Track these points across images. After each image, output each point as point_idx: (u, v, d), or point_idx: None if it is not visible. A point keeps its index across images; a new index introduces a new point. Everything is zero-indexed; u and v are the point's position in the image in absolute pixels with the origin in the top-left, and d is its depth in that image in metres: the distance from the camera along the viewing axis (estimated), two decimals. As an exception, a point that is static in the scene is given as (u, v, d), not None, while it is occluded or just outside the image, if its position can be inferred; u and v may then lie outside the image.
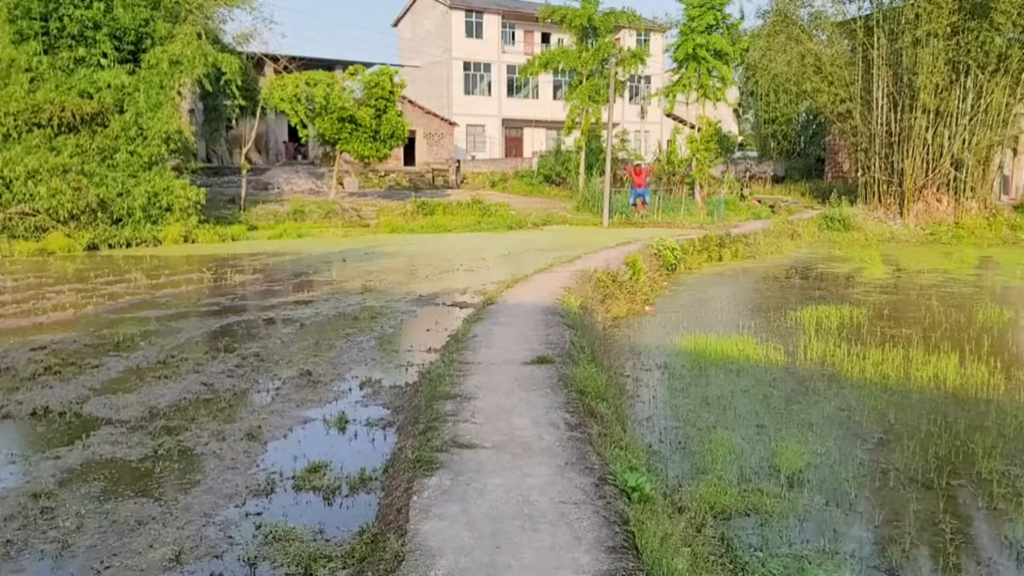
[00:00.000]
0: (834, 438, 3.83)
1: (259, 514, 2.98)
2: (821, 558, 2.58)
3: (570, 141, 26.75)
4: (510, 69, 34.09)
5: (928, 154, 18.19)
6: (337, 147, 20.97)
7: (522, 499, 2.65)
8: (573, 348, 5.01)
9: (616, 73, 21.04)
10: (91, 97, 15.13)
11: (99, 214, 14.38)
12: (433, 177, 28.05)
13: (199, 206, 15.85)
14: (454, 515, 2.57)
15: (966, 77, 17.48)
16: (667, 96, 23.72)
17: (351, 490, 3.22)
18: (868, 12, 18.87)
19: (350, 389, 4.75)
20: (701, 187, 22.98)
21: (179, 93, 16.43)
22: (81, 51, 15.24)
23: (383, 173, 27.15)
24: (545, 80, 33.63)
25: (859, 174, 20.25)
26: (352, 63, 22.69)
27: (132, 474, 3.39)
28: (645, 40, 35.12)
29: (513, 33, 35.16)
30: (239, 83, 17.24)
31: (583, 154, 24.68)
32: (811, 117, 30.15)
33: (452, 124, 31.77)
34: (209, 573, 2.55)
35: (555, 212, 20.86)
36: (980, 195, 18.42)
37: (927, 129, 17.92)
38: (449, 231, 17.44)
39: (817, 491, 3.16)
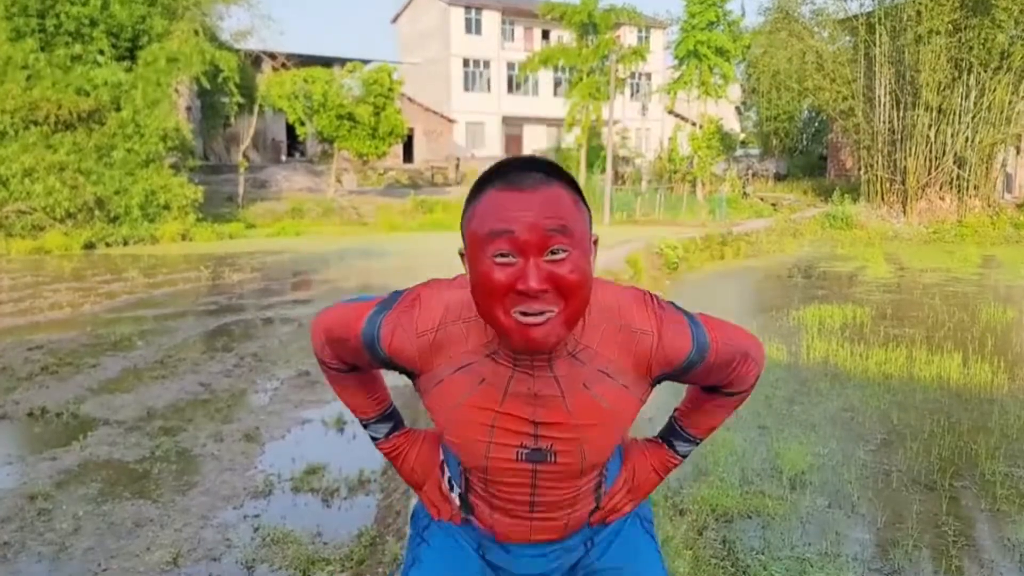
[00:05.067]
0: (837, 439, 3.80)
1: (257, 516, 2.96)
2: (823, 560, 2.55)
3: (570, 138, 26.73)
4: (510, 66, 34.01)
5: (931, 152, 18.16)
6: (335, 145, 20.93)
7: (522, 502, 2.62)
8: (573, 347, 4.97)
9: (617, 70, 20.99)
10: (88, 94, 15.10)
11: (96, 212, 14.36)
12: (432, 175, 28.02)
13: (197, 204, 15.84)
14: (453, 518, 2.54)
15: (968, 74, 17.44)
16: (668, 93, 23.69)
17: (349, 492, 3.19)
18: (870, 9, 18.82)
19: (349, 389, 4.72)
20: (703, 185, 22.96)
21: (176, 90, 16.40)
22: (78, 48, 15.20)
23: (382, 171, 27.12)
24: (545, 77, 33.58)
25: (861, 172, 20.21)
26: (350, 60, 22.66)
27: (130, 475, 3.37)
28: (646, 37, 35.04)
29: (513, 30, 35.09)
30: (237, 80, 17.20)
31: (583, 152, 24.65)
32: (813, 115, 30.09)
33: (451, 121, 31.73)
34: (207, 575, 2.53)
35: (555, 210, 20.82)
36: (983, 193, 18.39)
37: (930, 127, 17.88)
38: (449, 229, 17.42)
39: (820, 493, 3.13)
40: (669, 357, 0.96)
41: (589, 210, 0.91)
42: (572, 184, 0.88)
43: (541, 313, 0.84)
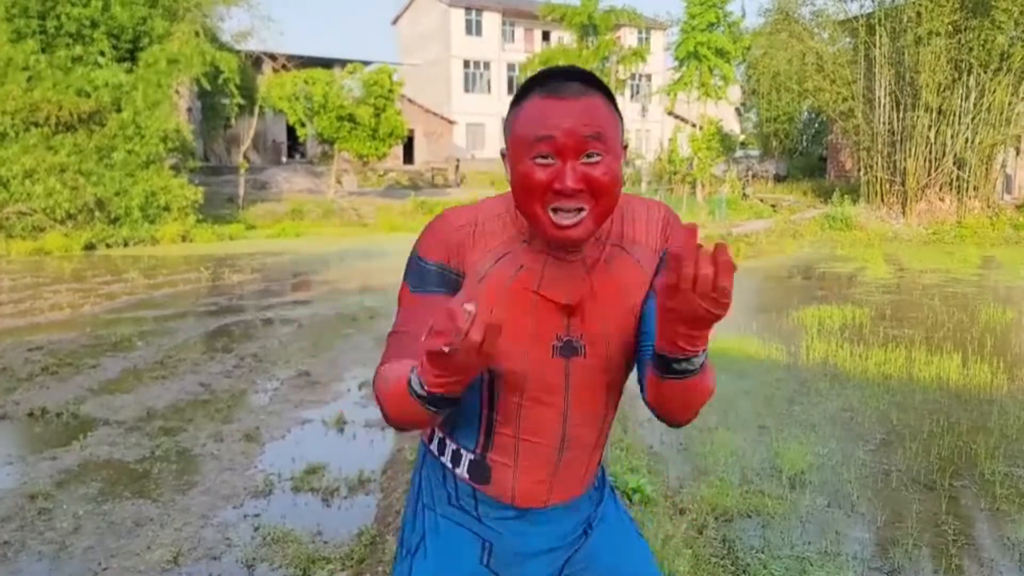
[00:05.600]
0: (836, 439, 3.80)
1: (257, 515, 2.96)
2: (823, 559, 2.56)
3: (570, 140, 26.70)
4: (510, 67, 34.06)
5: (931, 153, 18.16)
6: (336, 146, 20.95)
7: (522, 501, 2.62)
8: (573, 348, 4.97)
9: (617, 71, 21.02)
10: (89, 96, 15.12)
11: (96, 213, 14.38)
12: (433, 176, 28.04)
13: (197, 205, 15.86)
14: (453, 517, 2.54)
15: (968, 76, 17.45)
16: (668, 94, 23.70)
17: (349, 491, 3.20)
18: (870, 10, 18.84)
19: (349, 390, 4.73)
20: (703, 186, 22.97)
21: (177, 92, 16.43)
22: (79, 49, 15.22)
23: (382, 172, 27.14)
24: (545, 78, 33.57)
25: (861, 173, 20.21)
26: (351, 61, 22.70)
27: (130, 475, 3.37)
28: (646, 38, 35.08)
29: (513, 31, 35.15)
30: (237, 82, 17.24)
31: (583, 153, 24.64)
32: (813, 116, 30.10)
33: (451, 123, 31.76)
34: (207, 574, 2.53)
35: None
36: (983, 194, 18.38)
37: (929, 128, 17.89)
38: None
39: (819, 492, 3.14)
40: (673, 232, 1.05)
41: (622, 119, 0.99)
42: (608, 95, 0.96)
43: (576, 211, 0.93)
